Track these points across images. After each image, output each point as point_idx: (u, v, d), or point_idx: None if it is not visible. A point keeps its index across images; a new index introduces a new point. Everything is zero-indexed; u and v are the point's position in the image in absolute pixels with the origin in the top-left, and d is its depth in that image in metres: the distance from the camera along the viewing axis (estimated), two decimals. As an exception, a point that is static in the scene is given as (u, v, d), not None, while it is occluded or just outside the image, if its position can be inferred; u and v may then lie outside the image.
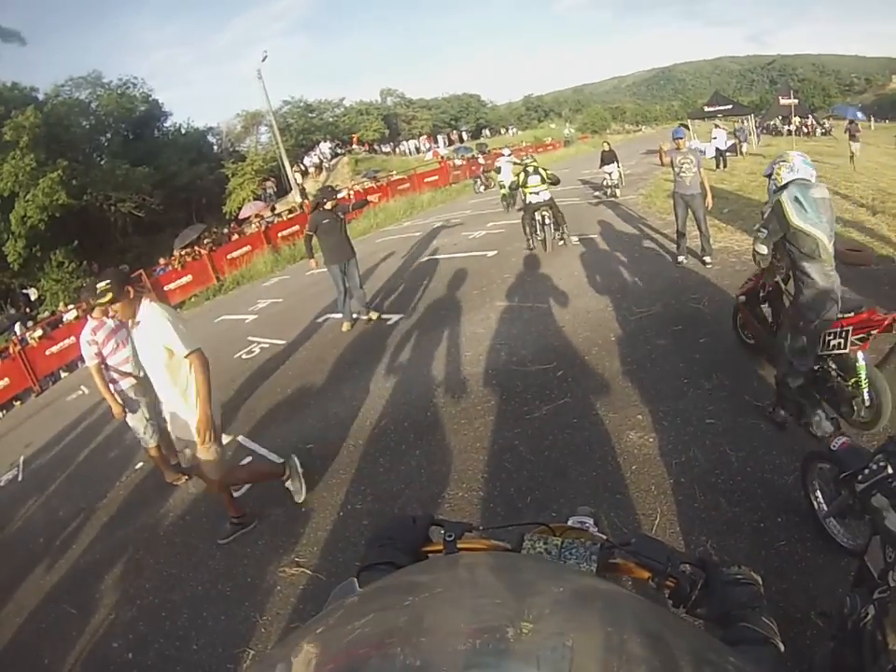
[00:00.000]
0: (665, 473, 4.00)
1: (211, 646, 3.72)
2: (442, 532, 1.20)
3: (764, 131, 29.90)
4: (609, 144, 16.89)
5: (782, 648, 0.92)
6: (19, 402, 14.55)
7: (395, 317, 9.21)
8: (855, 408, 3.97)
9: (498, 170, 17.48)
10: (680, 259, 8.29)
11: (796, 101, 24.31)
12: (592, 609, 0.64)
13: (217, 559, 4.58)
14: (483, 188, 25.70)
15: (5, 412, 14.27)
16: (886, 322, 3.78)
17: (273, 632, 3.65)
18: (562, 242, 10.74)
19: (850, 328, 3.87)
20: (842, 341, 3.91)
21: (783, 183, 3.97)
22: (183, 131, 41.72)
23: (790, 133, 26.61)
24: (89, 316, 5.51)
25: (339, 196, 10.66)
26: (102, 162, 33.04)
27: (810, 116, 35.01)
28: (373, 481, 4.93)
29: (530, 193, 10.53)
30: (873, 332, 3.83)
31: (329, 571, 4.01)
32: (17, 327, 19.48)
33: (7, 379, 14.47)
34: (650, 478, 3.99)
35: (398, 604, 0.66)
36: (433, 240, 15.35)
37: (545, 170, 10.68)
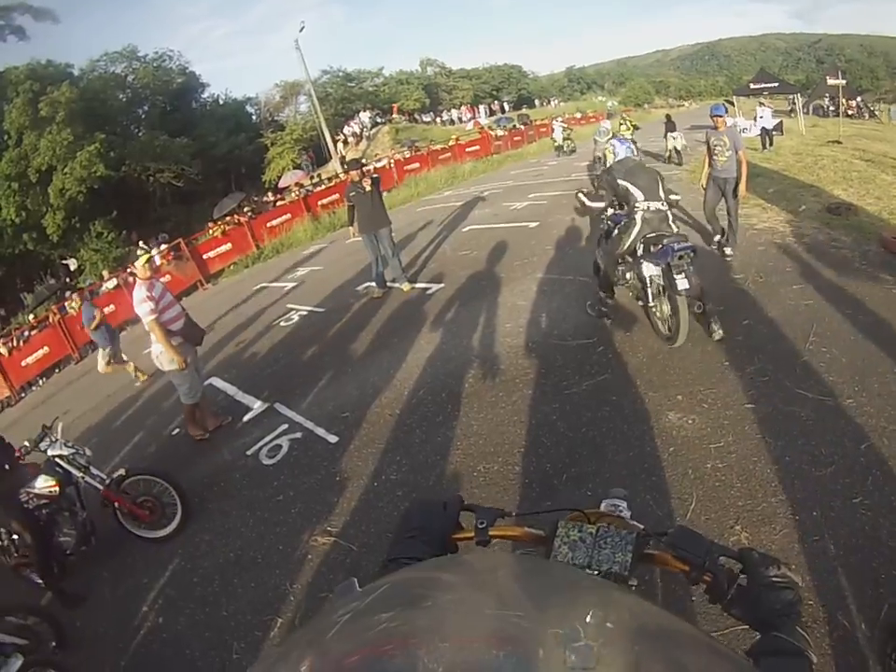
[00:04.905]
0: (702, 457, 3.81)
1: (241, 612, 3.72)
2: (474, 518, 1.16)
3: (809, 111, 28.78)
4: (669, 115, 19.71)
5: (814, 660, 0.87)
6: (58, 370, 14.83)
7: (434, 287, 9.07)
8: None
9: (553, 130, 27.65)
10: (717, 238, 7.78)
11: (844, 81, 23.32)
12: (621, 628, 0.60)
13: (250, 526, 4.58)
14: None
15: (45, 379, 14.58)
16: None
17: (303, 601, 3.63)
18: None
19: None
20: None
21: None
22: (221, 102, 41.86)
23: (836, 114, 25.60)
24: (137, 279, 5.67)
25: (365, 168, 11.00)
26: (140, 134, 33.35)
27: (858, 98, 33.88)
28: (409, 451, 4.83)
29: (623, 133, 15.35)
30: None
31: (360, 542, 3.95)
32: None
33: (46, 347, 14.82)
34: (687, 461, 3.81)
35: (421, 603, 0.65)
36: (474, 210, 15.17)
37: (631, 121, 16.95)
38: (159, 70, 36.30)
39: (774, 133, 17.63)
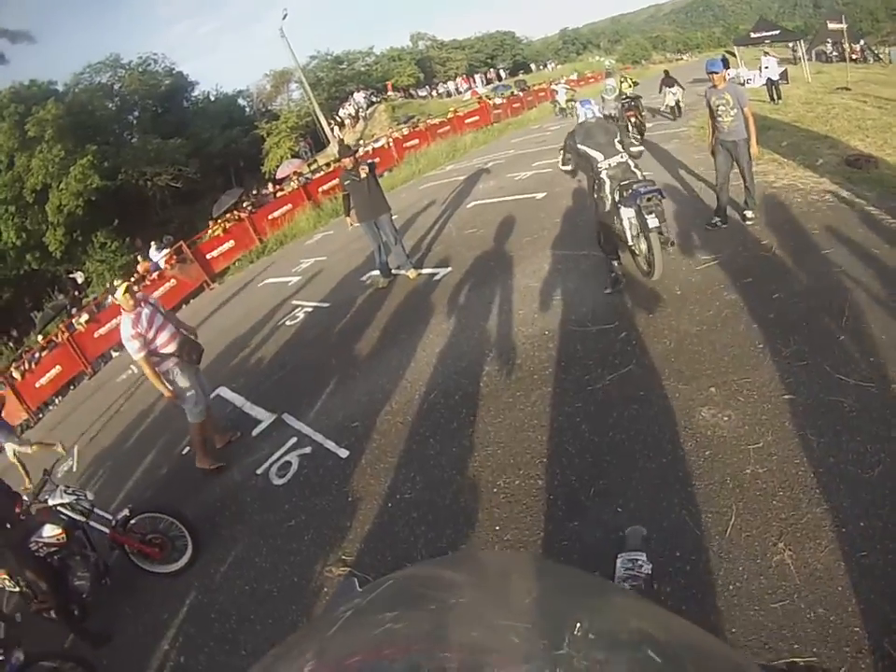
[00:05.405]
0: (740, 461, 3.44)
1: (260, 651, 3.48)
2: None
3: (812, 58, 28.07)
4: (667, 70, 19.57)
5: None
6: (73, 387, 14.77)
7: (441, 272, 8.73)
8: None
9: (555, 92, 27.91)
10: (715, 220, 6.99)
11: (845, 25, 22.66)
12: (609, 637, 0.60)
13: (263, 555, 4.40)
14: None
15: (61, 398, 14.51)
16: None
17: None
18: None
19: None
20: None
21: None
22: (212, 98, 41.84)
23: (840, 59, 24.91)
24: (123, 312, 5.40)
25: (359, 154, 10.65)
26: (133, 140, 33.62)
27: (861, 41, 33.09)
28: (423, 465, 4.53)
29: (625, 90, 16.06)
30: None
31: (376, 572, 3.68)
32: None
33: (59, 366, 14.71)
34: (724, 467, 3.45)
35: (426, 605, 0.66)
36: (478, 183, 14.80)
37: (631, 78, 18.19)
38: (145, 74, 36.33)
39: (780, 82, 17.09)
